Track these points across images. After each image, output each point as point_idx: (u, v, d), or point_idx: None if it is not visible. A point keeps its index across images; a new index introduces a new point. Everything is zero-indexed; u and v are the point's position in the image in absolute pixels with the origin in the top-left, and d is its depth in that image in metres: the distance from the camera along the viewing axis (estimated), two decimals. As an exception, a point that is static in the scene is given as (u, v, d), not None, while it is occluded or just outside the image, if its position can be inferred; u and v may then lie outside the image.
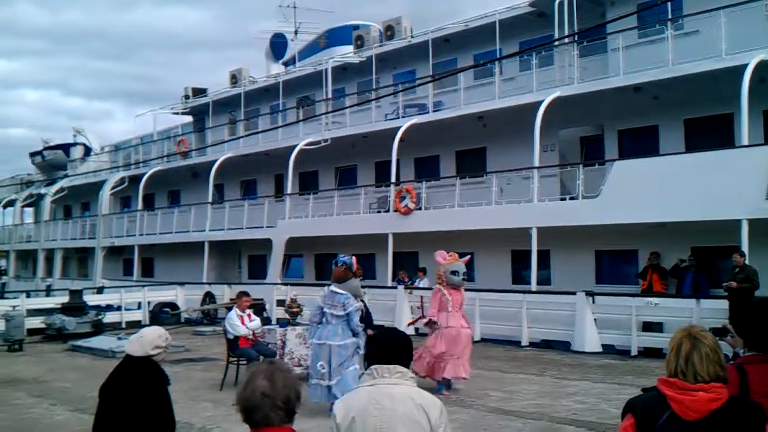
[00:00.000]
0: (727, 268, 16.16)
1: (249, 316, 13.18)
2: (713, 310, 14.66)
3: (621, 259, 21.57)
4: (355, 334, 10.64)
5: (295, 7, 37.74)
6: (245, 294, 13.49)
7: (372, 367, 3.80)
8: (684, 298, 16.99)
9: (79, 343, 19.09)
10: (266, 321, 20.13)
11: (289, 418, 3.20)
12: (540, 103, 20.87)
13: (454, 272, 12.57)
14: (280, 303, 20.99)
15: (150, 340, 5.53)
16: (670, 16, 19.51)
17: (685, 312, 15.21)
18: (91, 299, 24.32)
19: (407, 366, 3.83)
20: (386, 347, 3.86)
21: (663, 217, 18.10)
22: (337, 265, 11.07)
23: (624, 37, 20.08)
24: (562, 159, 22.66)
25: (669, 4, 19.07)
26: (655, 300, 16.90)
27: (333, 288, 10.80)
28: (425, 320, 12.94)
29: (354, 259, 11.30)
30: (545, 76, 22.05)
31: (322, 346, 10.51)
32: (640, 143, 21.21)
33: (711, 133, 19.85)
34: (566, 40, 21.24)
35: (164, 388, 5.50)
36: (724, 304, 14.74)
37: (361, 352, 10.50)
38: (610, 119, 21.95)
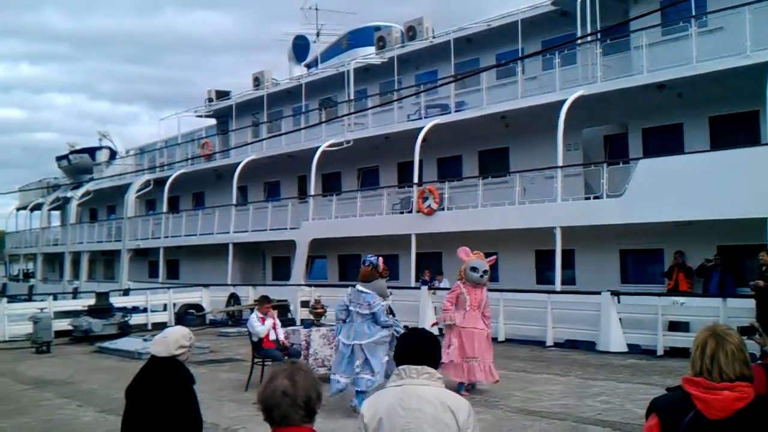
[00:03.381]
0: (753, 266, 16.00)
1: (272, 319, 13.17)
2: (740, 309, 14.51)
3: (646, 259, 21.41)
4: (385, 327, 10.75)
5: (317, 10, 37.84)
6: (266, 300, 13.48)
7: (400, 367, 3.82)
8: (710, 298, 16.84)
9: (106, 344, 19.27)
10: (290, 322, 20.21)
11: (310, 417, 3.21)
12: (563, 102, 20.78)
13: (473, 269, 12.34)
14: (304, 304, 21.06)
15: (174, 339, 5.56)
16: (693, 13, 19.35)
17: (711, 311, 15.09)
18: (117, 301, 24.51)
19: (436, 366, 3.84)
20: (414, 348, 3.86)
21: (688, 215, 17.95)
22: (364, 265, 11.19)
23: (647, 35, 19.94)
24: (586, 158, 22.53)
25: (693, 0, 18.94)
26: (681, 299, 16.77)
27: (359, 287, 10.91)
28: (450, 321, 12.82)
29: (381, 259, 11.28)
30: (568, 74, 21.95)
31: (350, 347, 10.65)
32: (665, 141, 21.06)
33: (736, 130, 19.66)
34: (589, 39, 21.12)
35: (190, 388, 5.52)
36: (750, 303, 14.59)
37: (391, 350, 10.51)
38: (634, 118, 21.80)
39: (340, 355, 10.87)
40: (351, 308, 10.83)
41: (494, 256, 13.09)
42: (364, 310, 10.72)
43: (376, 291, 10.95)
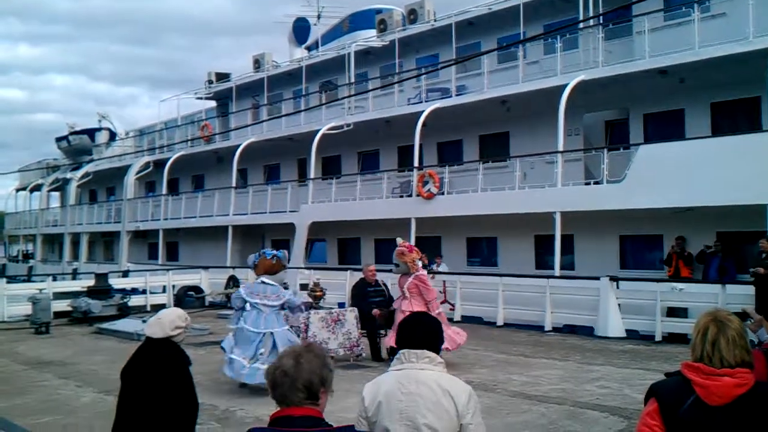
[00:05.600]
0: (754, 253, 16.00)
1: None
2: (739, 296, 14.53)
3: (646, 245, 21.42)
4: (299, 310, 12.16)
5: (318, -9, 37.63)
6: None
7: (401, 351, 3.82)
8: (709, 284, 16.84)
9: (105, 325, 19.29)
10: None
11: (312, 400, 3.21)
12: (564, 86, 20.70)
13: None
14: (304, 287, 21.06)
15: (170, 320, 5.54)
16: (696, -2, 19.27)
17: (710, 297, 15.07)
18: (116, 283, 24.50)
19: (437, 351, 3.83)
20: (415, 332, 3.86)
21: (688, 201, 17.93)
22: (267, 258, 11.79)
23: (649, 20, 19.86)
24: (587, 143, 22.48)
25: (696, -15, 18.85)
26: (680, 285, 16.77)
27: (263, 279, 11.52)
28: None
29: (286, 252, 12.13)
30: (570, 59, 21.86)
31: (261, 334, 11.10)
32: (666, 127, 21.00)
33: (737, 116, 19.61)
34: (591, 23, 21.04)
35: (186, 370, 5.51)
36: (749, 289, 14.62)
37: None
38: (635, 103, 21.73)
39: (246, 341, 11.18)
40: (254, 300, 11.29)
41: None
42: (272, 302, 11.27)
43: (279, 282, 11.60)
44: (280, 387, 3.17)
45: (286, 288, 12.00)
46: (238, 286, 25.22)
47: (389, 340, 13.09)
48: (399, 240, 13.67)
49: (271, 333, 11.08)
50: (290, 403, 3.17)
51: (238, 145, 33.20)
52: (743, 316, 4.82)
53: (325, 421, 3.21)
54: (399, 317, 12.82)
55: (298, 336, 12.78)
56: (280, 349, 10.72)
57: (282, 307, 11.39)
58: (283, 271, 11.86)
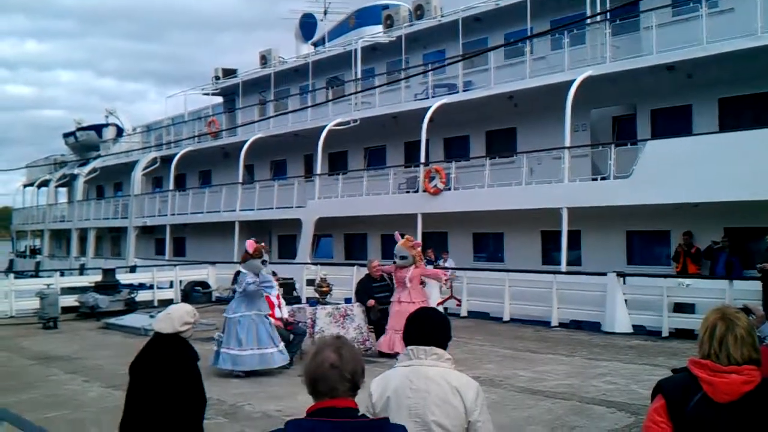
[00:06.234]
0: (761, 249, 15.95)
1: (278, 297, 13.24)
2: (746, 292, 14.48)
3: (653, 240, 21.37)
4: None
5: (324, -13, 37.59)
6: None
7: (408, 348, 3.83)
8: (716, 280, 16.80)
9: (112, 320, 19.34)
10: (296, 300, 20.25)
11: (353, 391, 3.24)
12: (571, 82, 20.65)
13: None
14: (310, 282, 21.08)
15: (178, 316, 5.57)
16: (704, -7, 19.19)
17: (717, 293, 15.04)
18: (123, 278, 24.55)
19: (445, 347, 3.83)
20: (423, 328, 3.86)
21: (696, 197, 17.88)
22: None
23: (657, 15, 19.79)
24: (594, 139, 22.42)
25: (704, -19, 18.78)
26: (687, 281, 16.73)
27: (239, 268, 12.73)
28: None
29: (248, 242, 12.81)
30: (577, 54, 21.80)
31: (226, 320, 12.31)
32: (674, 123, 20.94)
33: (745, 112, 19.54)
34: (598, 18, 20.97)
35: (194, 365, 5.54)
36: (756, 285, 14.56)
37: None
38: (642, 98, 21.67)
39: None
40: (236, 288, 12.46)
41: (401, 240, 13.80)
42: (239, 288, 12.34)
43: (250, 269, 12.35)
44: (326, 380, 3.18)
45: (275, 274, 13.15)
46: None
47: (393, 342, 12.78)
48: (398, 236, 13.71)
49: (226, 318, 12.21)
50: (336, 394, 3.19)
51: (245, 141, 33.24)
52: (746, 311, 4.83)
53: (362, 412, 3.24)
54: (396, 308, 12.96)
55: (305, 332, 12.85)
56: (232, 338, 11.87)
57: (244, 292, 12.17)
58: (254, 260, 12.42)
